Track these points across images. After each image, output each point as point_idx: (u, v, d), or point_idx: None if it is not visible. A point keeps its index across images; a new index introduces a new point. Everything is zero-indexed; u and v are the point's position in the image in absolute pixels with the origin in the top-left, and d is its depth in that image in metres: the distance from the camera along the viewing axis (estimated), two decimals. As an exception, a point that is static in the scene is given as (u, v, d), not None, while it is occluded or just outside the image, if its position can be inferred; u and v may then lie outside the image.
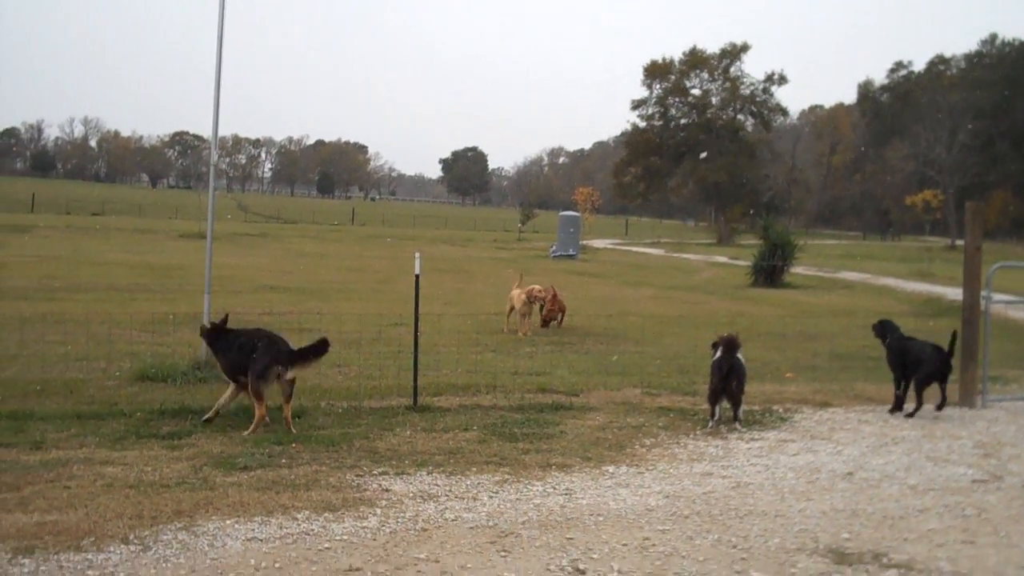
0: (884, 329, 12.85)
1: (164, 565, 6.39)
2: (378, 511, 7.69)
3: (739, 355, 11.43)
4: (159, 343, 15.75)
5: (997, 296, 13.98)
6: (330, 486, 8.34)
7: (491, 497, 8.19)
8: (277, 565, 6.45)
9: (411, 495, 8.17)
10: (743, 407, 11.50)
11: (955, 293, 32.69)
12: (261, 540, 6.94)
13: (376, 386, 12.83)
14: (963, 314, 13.11)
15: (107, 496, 7.76)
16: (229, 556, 6.60)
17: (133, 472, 8.53)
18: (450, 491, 8.33)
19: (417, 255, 12.14)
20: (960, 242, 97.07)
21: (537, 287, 20.25)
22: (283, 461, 9.09)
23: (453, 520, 7.55)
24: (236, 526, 7.20)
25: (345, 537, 7.07)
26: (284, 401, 10.40)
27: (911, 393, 12.18)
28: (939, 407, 12.04)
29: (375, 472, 8.83)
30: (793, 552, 7.03)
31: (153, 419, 10.66)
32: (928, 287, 36.63)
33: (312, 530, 7.19)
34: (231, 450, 9.46)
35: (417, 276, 12.03)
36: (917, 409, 12.02)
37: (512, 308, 20.23)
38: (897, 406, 12.36)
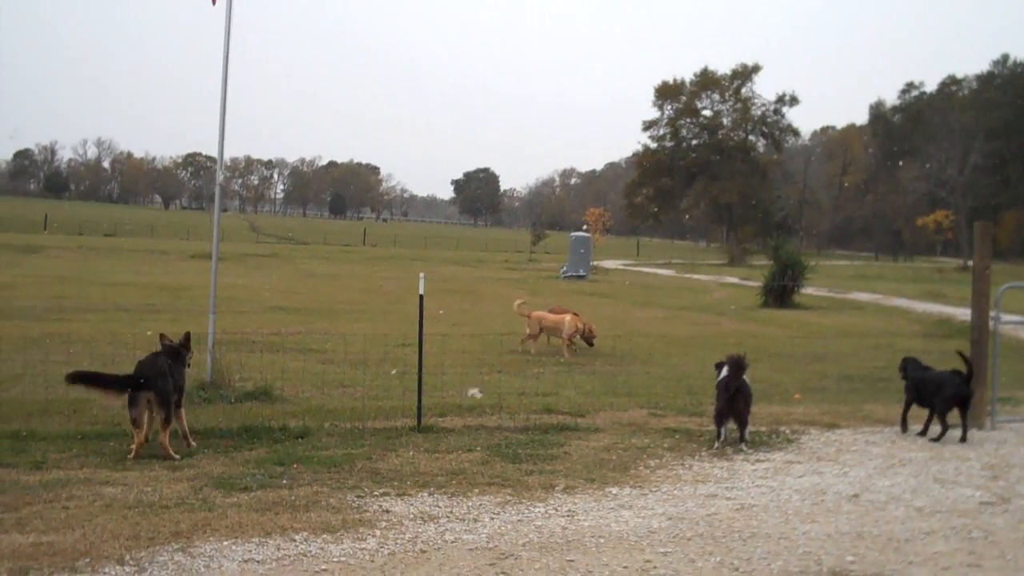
0: (906, 366, 12.87)
1: (159, 587, 6.34)
2: (377, 533, 7.63)
3: (744, 376, 11.33)
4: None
5: (1006, 317, 13.86)
6: (330, 507, 8.27)
7: (492, 519, 8.12)
8: (273, 587, 6.40)
9: (411, 516, 8.10)
10: (749, 428, 11.40)
11: (966, 314, 32.52)
12: (258, 562, 6.88)
13: (381, 407, 12.77)
14: (972, 335, 13.02)
15: (105, 516, 7.70)
16: (225, 578, 6.55)
17: (133, 493, 8.47)
18: (451, 512, 8.26)
19: (422, 276, 12.08)
20: (972, 263, 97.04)
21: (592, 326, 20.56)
22: (284, 482, 9.03)
23: (453, 542, 7.48)
24: (233, 547, 7.14)
25: (343, 559, 7.00)
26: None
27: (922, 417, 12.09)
28: (962, 438, 11.93)
29: (376, 493, 8.76)
30: (796, 575, 6.94)
31: (155, 439, 10.56)
32: (939, 308, 36.49)
33: (310, 552, 7.12)
34: (232, 471, 9.40)
35: (421, 296, 11.97)
36: (942, 434, 11.94)
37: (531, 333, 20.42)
38: (905, 427, 12.31)
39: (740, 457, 10.77)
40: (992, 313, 12.86)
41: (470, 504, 8.53)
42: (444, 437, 11.23)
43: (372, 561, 6.98)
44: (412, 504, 8.47)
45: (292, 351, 17.56)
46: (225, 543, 7.22)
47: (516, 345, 20.16)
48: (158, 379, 10.07)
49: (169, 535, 7.33)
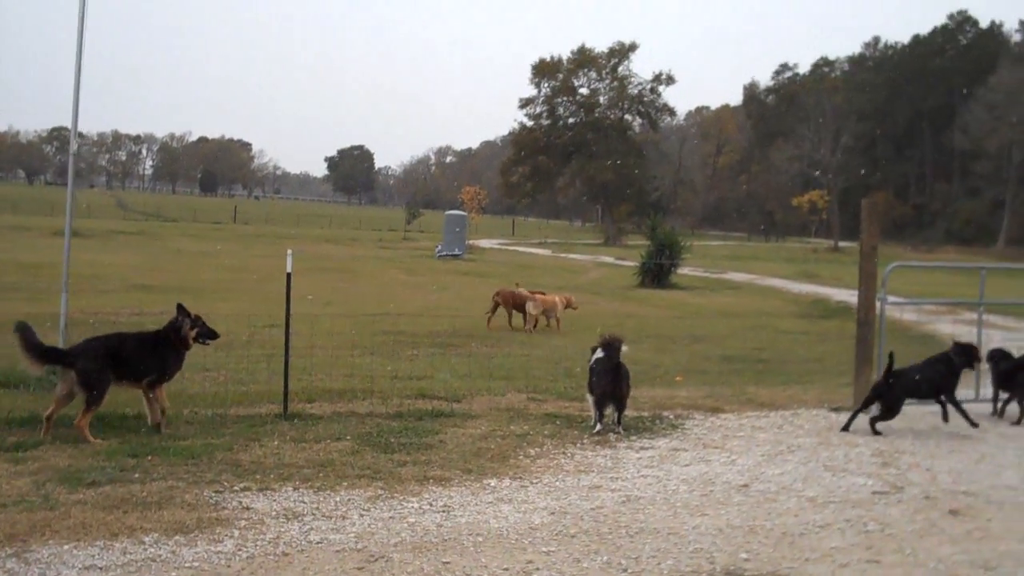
0: (995, 357, 12.91)
1: (-16, 599, 5.65)
2: (236, 533, 7.00)
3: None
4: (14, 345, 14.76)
5: (892, 298, 13.66)
6: (185, 504, 7.60)
7: (362, 516, 7.53)
8: (114, 598, 5.74)
9: (274, 514, 7.48)
10: (627, 413, 11.03)
11: (841, 294, 33.03)
12: (100, 568, 6.24)
13: (245, 392, 12.10)
14: (858, 315, 12.72)
15: (-71, 519, 6.94)
16: (62, 587, 5.87)
17: (-35, 490, 7.69)
18: (317, 509, 7.65)
19: (289, 252, 11.40)
20: (844, 243, 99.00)
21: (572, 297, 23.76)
22: (136, 476, 8.31)
23: (318, 543, 6.89)
24: (74, 551, 6.47)
25: (196, 564, 6.37)
26: None
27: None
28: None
29: (236, 488, 8.10)
30: (688, 575, 6.50)
31: (-2, 429, 9.79)
32: (814, 288, 36.88)
33: (159, 556, 6.48)
34: (80, 463, 8.63)
35: (289, 274, 11.30)
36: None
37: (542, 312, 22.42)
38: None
39: (624, 445, 10.32)
40: (879, 294, 12.58)
41: (338, 499, 7.92)
42: (312, 425, 10.58)
43: (228, 566, 6.36)
44: (275, 500, 7.83)
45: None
46: (65, 547, 6.55)
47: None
48: (84, 359, 9.61)
49: (3, 538, 6.63)
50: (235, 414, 10.93)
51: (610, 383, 10.82)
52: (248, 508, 7.60)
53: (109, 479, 8.16)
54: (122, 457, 8.90)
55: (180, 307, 10.40)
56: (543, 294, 23.28)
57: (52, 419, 9.69)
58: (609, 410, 10.98)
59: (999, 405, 12.61)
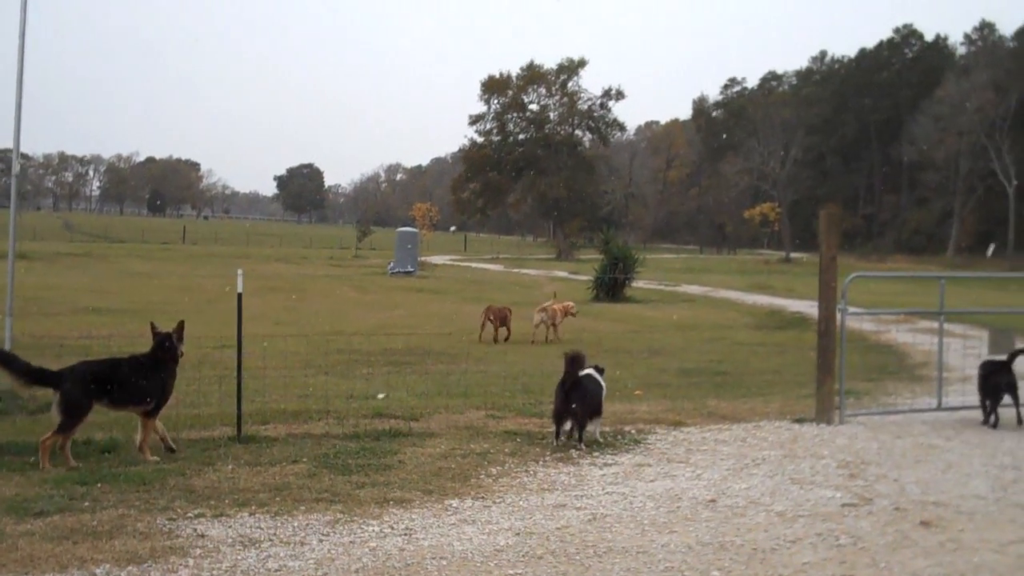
0: None
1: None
2: (190, 562, 6.74)
3: (594, 372, 11.08)
4: None
5: (852, 308, 13.57)
6: (137, 533, 7.32)
7: (321, 541, 7.29)
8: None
9: (229, 541, 7.22)
10: (591, 429, 10.91)
11: (795, 305, 33.14)
12: (48, 604, 5.94)
13: (197, 415, 11.80)
14: (819, 326, 12.60)
15: None
16: (6, 627, 5.60)
17: (-95, 524, 7.38)
18: (274, 535, 7.40)
19: (240, 272, 11.13)
20: (795, 254, 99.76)
21: (570, 304, 25.76)
22: (86, 504, 8.02)
23: (276, 570, 6.65)
24: (22, 586, 6.18)
25: (149, 596, 6.11)
26: None
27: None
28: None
29: (190, 515, 7.83)
30: (659, 595, 6.32)
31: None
32: (768, 299, 36.95)
33: (111, 588, 6.21)
34: (27, 492, 8.33)
35: (240, 295, 11.04)
36: None
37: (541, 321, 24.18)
38: None
39: (587, 461, 10.13)
40: (839, 305, 12.47)
41: (296, 524, 7.67)
42: (267, 448, 10.30)
43: (183, 598, 6.11)
44: (230, 526, 7.57)
45: (102, 355, 16.35)
46: (12, 582, 6.25)
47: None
48: (69, 382, 9.41)
49: (-56, 574, 6.33)
50: (187, 438, 10.63)
51: (563, 400, 10.67)
52: (203, 536, 7.33)
53: (58, 508, 7.86)
54: (71, 485, 8.60)
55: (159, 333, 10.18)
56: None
57: (66, 448, 9.49)
58: (568, 425, 10.82)
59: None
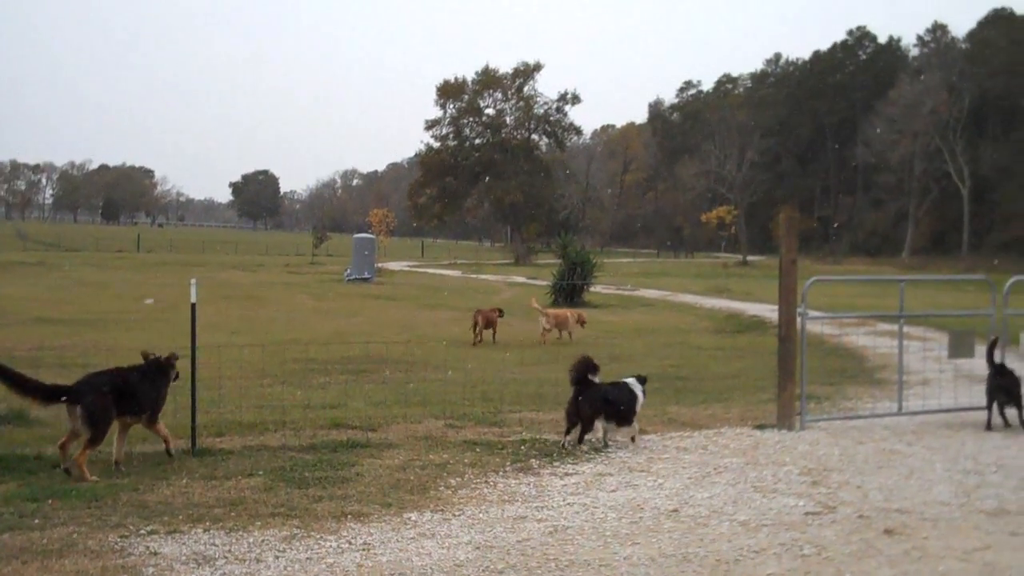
0: None
1: None
2: (143, 582, 6.55)
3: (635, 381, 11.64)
4: None
5: (813, 312, 13.53)
6: (88, 551, 7.14)
7: (277, 558, 7.13)
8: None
9: (183, 559, 7.05)
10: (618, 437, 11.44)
11: (753, 308, 33.18)
12: (-3, 627, 5.76)
13: (151, 428, 11.55)
14: (780, 331, 12.54)
15: None
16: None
17: None
18: (229, 552, 7.23)
19: (193, 281, 10.95)
20: (752, 257, 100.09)
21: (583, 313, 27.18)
22: (36, 522, 7.83)
23: (232, 589, 6.47)
24: (-32, 610, 5.99)
25: (100, 618, 5.93)
26: None
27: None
28: None
29: (143, 531, 7.65)
30: (623, 610, 6.20)
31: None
32: (727, 303, 36.94)
33: (60, 610, 6.02)
34: (-25, 511, 8.11)
35: (193, 304, 10.86)
36: None
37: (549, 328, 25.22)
38: None
39: (548, 471, 10.01)
40: (799, 309, 12.40)
41: (251, 540, 7.50)
42: (222, 461, 10.12)
43: (134, 620, 5.93)
44: (184, 543, 7.39)
45: (54, 367, 16.01)
46: (-43, 605, 6.06)
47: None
48: (89, 395, 9.49)
49: None
50: (140, 451, 10.43)
51: (571, 403, 11.23)
52: (156, 553, 7.16)
53: (7, 527, 7.68)
54: (20, 502, 8.41)
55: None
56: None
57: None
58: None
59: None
